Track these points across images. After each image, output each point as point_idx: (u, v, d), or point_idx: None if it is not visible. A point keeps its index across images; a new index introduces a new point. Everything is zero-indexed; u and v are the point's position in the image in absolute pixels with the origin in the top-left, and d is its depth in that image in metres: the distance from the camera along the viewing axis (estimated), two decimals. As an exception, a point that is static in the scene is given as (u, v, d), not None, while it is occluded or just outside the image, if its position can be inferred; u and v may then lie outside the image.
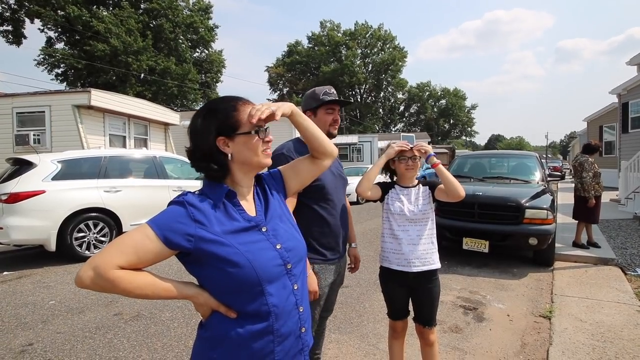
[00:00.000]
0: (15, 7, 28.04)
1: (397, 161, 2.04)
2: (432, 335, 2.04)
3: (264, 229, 1.00)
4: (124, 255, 0.86)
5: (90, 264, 0.85)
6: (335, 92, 1.84)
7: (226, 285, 0.92)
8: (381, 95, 57.38)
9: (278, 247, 0.99)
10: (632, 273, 4.52)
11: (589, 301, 3.65)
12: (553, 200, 5.00)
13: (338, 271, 1.81)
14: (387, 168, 2.13)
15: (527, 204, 4.72)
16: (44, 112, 8.22)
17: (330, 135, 1.79)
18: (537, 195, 4.96)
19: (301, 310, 1.02)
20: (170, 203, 0.96)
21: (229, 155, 0.97)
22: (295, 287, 1.01)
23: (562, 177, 6.13)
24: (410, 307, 2.11)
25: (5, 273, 4.92)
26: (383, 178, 2.20)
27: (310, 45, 53.43)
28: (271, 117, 0.98)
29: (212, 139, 0.96)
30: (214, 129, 0.96)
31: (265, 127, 1.02)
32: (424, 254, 1.97)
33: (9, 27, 28.58)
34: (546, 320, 3.33)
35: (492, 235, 4.78)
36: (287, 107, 1.04)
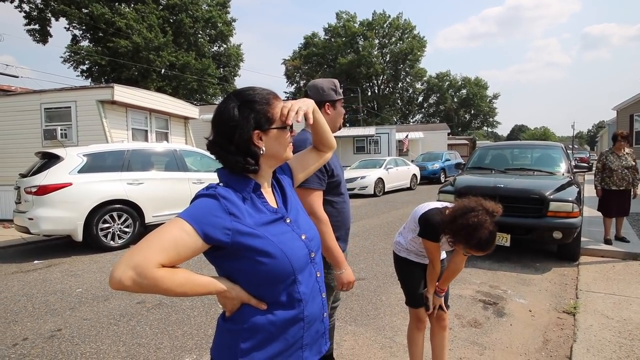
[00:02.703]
0: (42, 6, 29.03)
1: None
2: (448, 318, 2.13)
3: (288, 220, 1.01)
4: (165, 252, 0.81)
5: (127, 263, 0.78)
6: None
7: (262, 277, 0.92)
8: (399, 86, 56.36)
9: (303, 237, 1.01)
10: (665, 269, 4.31)
11: (616, 297, 3.51)
12: (579, 193, 4.80)
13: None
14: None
15: (551, 197, 4.55)
16: (70, 107, 8.50)
17: (339, 128, 1.89)
18: (563, 188, 4.77)
19: (323, 296, 1.07)
20: (200, 196, 0.91)
21: (262, 149, 0.96)
22: (318, 275, 1.05)
23: (589, 169, 5.86)
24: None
25: (35, 262, 5.17)
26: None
27: (326, 37, 52.93)
28: (307, 119, 1.05)
29: (250, 132, 0.94)
30: (253, 121, 0.94)
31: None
32: None
33: (36, 26, 29.65)
34: (570, 316, 3.22)
35: (514, 228, 4.64)
36: (313, 106, 1.09)
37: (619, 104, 17.21)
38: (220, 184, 0.95)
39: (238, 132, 0.93)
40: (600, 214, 5.37)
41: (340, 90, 1.83)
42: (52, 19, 29.78)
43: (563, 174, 5.51)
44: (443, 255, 2.06)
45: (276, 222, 0.97)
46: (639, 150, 13.94)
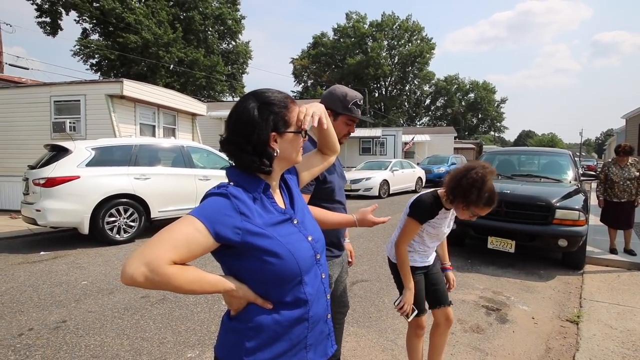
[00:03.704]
0: (54, -1, 29.33)
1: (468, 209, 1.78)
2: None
3: (295, 221, 1.02)
4: (177, 250, 0.82)
5: (140, 259, 0.78)
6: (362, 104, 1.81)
7: (269, 277, 0.93)
8: (407, 88, 56.26)
9: (310, 238, 1.03)
10: (671, 281, 4.26)
11: (621, 307, 3.48)
12: (586, 201, 4.77)
13: (341, 264, 1.88)
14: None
15: (557, 204, 4.52)
16: (79, 100, 8.57)
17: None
18: (569, 195, 4.74)
19: (328, 298, 1.09)
20: (211, 194, 0.92)
21: (276, 151, 0.98)
22: (323, 276, 1.07)
23: (597, 177, 5.81)
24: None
25: (42, 253, 5.23)
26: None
27: (335, 37, 52.92)
28: (320, 124, 1.09)
29: (269, 133, 0.95)
30: (272, 123, 0.96)
31: None
32: None
33: (47, 19, 29.94)
34: (573, 325, 3.20)
35: (519, 235, 4.62)
36: (324, 111, 1.14)
37: (628, 112, 17.02)
38: (231, 183, 0.95)
39: (257, 133, 0.94)
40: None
41: (352, 107, 1.71)
42: (63, 12, 30.06)
43: (570, 182, 5.47)
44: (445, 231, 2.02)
45: (284, 222, 0.98)
46: (648, 160, 13.79)
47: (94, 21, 31.43)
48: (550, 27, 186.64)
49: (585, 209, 4.62)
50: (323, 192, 1.68)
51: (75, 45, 31.63)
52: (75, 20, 31.17)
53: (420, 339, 2.11)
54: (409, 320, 1.97)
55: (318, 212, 1.49)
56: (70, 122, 8.35)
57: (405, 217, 1.94)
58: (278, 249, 0.92)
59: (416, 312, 1.96)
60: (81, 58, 32.04)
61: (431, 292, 2.06)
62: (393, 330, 3.04)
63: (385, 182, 12.56)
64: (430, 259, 2.08)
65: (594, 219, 6.65)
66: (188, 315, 3.25)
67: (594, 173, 6.58)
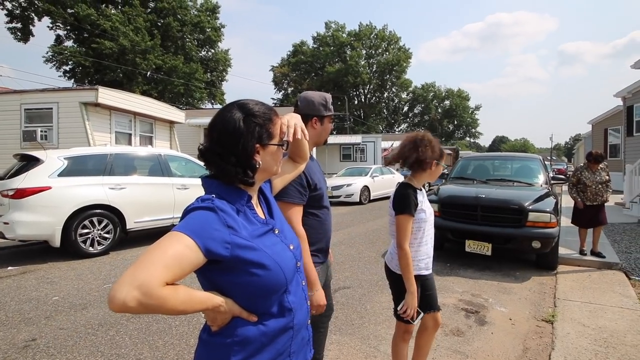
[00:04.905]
0: (25, 5, 28.34)
1: (435, 164, 1.99)
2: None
3: (276, 231, 1.02)
4: (169, 270, 0.76)
5: (131, 283, 0.72)
6: None
7: (256, 289, 0.91)
8: (385, 95, 57.26)
9: (291, 247, 1.04)
10: (636, 278, 4.47)
11: (592, 306, 3.63)
12: (557, 204, 4.97)
13: (326, 270, 1.90)
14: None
15: (530, 207, 4.69)
16: (51, 108, 8.29)
17: (325, 142, 1.89)
18: (541, 198, 4.93)
19: (308, 304, 1.10)
20: (197, 208, 0.88)
21: (259, 162, 0.97)
22: (303, 283, 1.09)
23: (566, 181, 6.07)
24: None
25: (9, 268, 4.97)
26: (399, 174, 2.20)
27: (315, 46, 53.46)
28: (303, 135, 1.16)
29: (253, 145, 0.95)
30: (257, 135, 0.95)
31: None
32: None
33: (18, 25, 28.89)
34: (549, 324, 3.31)
35: (495, 237, 4.76)
36: (301, 121, 1.17)
37: (594, 118, 17.95)
38: (213, 196, 0.92)
39: (242, 144, 0.93)
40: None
41: (331, 107, 1.82)
42: (35, 18, 29.09)
43: (541, 185, 5.69)
44: (431, 223, 2.03)
45: (267, 233, 0.98)
46: (613, 163, 14.56)
47: (68, 27, 30.53)
48: (518, 37, 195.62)
49: (556, 211, 4.81)
50: (313, 199, 1.71)
51: (48, 52, 30.64)
52: (48, 26, 30.25)
53: (406, 343, 2.12)
54: (415, 323, 1.95)
55: None
56: (41, 131, 8.06)
57: (394, 220, 1.94)
58: (265, 261, 0.91)
59: (422, 314, 1.95)
60: (54, 65, 31.04)
61: (425, 297, 2.06)
62: (375, 337, 3.06)
63: (366, 188, 12.68)
64: (431, 267, 2.07)
65: (566, 221, 6.92)
66: (166, 329, 3.16)
67: (563, 176, 6.88)
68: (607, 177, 5.10)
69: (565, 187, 15.33)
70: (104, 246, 5.59)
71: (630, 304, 3.65)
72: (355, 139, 24.82)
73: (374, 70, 53.62)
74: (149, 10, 32.92)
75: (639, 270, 4.77)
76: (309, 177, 1.67)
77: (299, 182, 1.60)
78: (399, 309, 1.93)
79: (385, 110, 58.68)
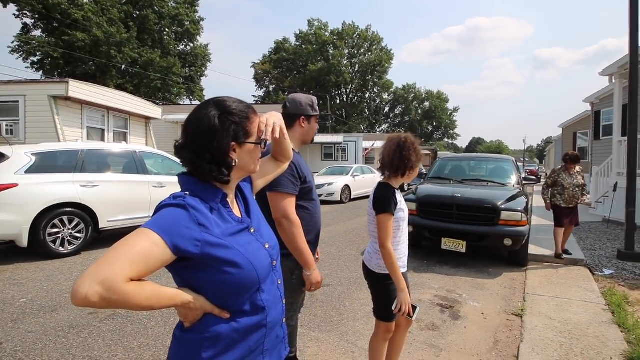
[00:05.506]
0: (-12, -10, 26.79)
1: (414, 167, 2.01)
2: None
3: (252, 230, 1.02)
4: (134, 266, 0.77)
5: (94, 278, 0.73)
6: None
7: (228, 287, 0.92)
8: (367, 95, 57.82)
9: (266, 246, 1.04)
10: (599, 273, 4.74)
11: (559, 300, 3.81)
12: (527, 203, 5.18)
13: None
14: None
15: (502, 206, 4.87)
16: (18, 102, 7.89)
17: (311, 141, 2.01)
18: (513, 198, 5.13)
19: (283, 303, 1.11)
20: (168, 205, 0.88)
21: (235, 160, 0.97)
22: (279, 282, 1.09)
23: (538, 181, 6.34)
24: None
25: (-28, 269, 4.71)
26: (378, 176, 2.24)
27: (297, 43, 53.20)
28: (282, 134, 1.14)
29: (229, 142, 0.94)
30: (232, 133, 0.95)
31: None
32: None
33: (-19, 12, 27.27)
34: (518, 318, 3.46)
35: (470, 235, 4.92)
36: (282, 121, 1.16)
37: (565, 122, 18.74)
38: (187, 193, 0.92)
39: (217, 142, 0.93)
40: (547, 222, 5.75)
41: (317, 108, 1.96)
42: (0, 5, 27.51)
43: (514, 186, 5.92)
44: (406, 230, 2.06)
45: (242, 232, 0.99)
46: (582, 165, 15.25)
47: (36, 16, 29.05)
48: (496, 42, 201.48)
49: (527, 210, 5.01)
50: (303, 192, 1.80)
51: (13, 42, 29.05)
52: (14, 14, 28.67)
53: (386, 342, 2.15)
54: (413, 318, 1.95)
55: None
56: (7, 125, 7.65)
57: (374, 220, 1.96)
58: (237, 259, 0.92)
59: (418, 308, 1.95)
60: (20, 55, 29.43)
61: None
62: (354, 333, 3.10)
63: (347, 187, 12.78)
64: (406, 265, 2.10)
65: (536, 220, 7.23)
66: (141, 331, 3.09)
67: (534, 177, 7.17)
68: (583, 181, 5.23)
69: (537, 188, 15.99)
70: (75, 246, 5.39)
71: (594, 297, 3.86)
72: (337, 138, 24.93)
73: (356, 70, 53.94)
74: (124, 0, 31.80)
75: (602, 266, 5.04)
76: (299, 169, 1.74)
77: (290, 172, 1.68)
78: (393, 308, 1.91)
79: (367, 110, 59.21)
